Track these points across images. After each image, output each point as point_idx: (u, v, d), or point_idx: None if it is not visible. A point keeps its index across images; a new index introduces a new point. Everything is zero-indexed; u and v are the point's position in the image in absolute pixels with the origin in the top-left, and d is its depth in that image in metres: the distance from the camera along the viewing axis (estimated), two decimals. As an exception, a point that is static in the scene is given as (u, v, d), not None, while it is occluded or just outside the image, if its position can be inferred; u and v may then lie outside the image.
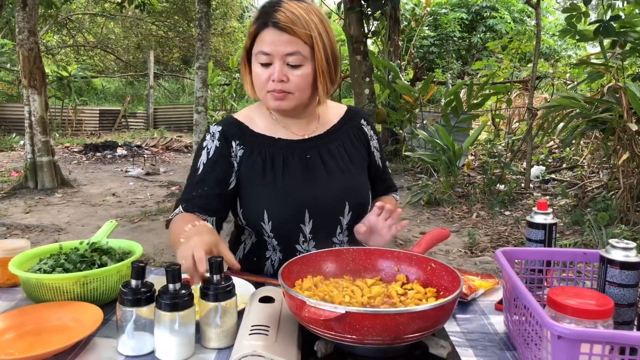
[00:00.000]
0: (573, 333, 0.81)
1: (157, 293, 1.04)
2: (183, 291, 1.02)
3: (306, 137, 1.47)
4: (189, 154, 11.27)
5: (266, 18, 1.31)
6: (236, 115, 1.50)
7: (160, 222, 5.78)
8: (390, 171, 1.65)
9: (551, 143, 9.38)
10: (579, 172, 7.78)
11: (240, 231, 1.54)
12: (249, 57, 1.38)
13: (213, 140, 1.44)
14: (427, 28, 15.96)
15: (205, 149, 1.44)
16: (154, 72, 16.51)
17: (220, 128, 1.45)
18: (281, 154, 1.43)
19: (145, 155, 10.55)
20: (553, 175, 7.99)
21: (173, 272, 1.02)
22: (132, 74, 19.34)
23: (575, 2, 5.53)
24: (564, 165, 8.41)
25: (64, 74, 13.25)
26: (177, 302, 1.01)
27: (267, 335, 0.93)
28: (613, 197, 5.74)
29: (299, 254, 1.41)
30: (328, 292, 1.05)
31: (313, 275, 1.10)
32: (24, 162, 7.40)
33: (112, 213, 6.16)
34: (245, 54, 1.39)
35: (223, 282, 1.05)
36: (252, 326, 0.96)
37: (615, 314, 1.03)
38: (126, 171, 8.96)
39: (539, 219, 1.38)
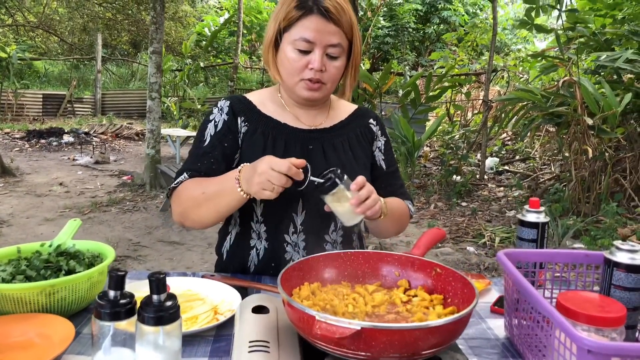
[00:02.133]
0: (605, 347, 0.76)
1: (138, 304, 0.93)
2: (168, 303, 0.92)
3: (312, 128, 1.42)
4: (140, 142, 10.91)
5: (312, 4, 1.25)
6: (247, 95, 1.46)
7: (112, 213, 5.54)
8: (403, 181, 1.58)
9: (504, 135, 9.60)
10: (531, 164, 7.99)
11: (227, 222, 1.48)
12: (277, 40, 1.33)
13: (221, 114, 1.40)
14: (382, 18, 16.01)
15: (213, 122, 1.40)
16: (102, 56, 15.83)
17: (229, 103, 1.42)
18: (283, 140, 1.38)
19: (93, 143, 10.12)
20: (506, 167, 8.18)
21: (158, 281, 0.91)
22: (77, 57, 18.49)
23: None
24: (517, 157, 8.63)
25: (3, 55, 12.49)
26: (162, 315, 0.90)
27: (268, 352, 0.84)
28: (565, 188, 5.91)
29: (287, 245, 1.37)
30: (328, 300, 0.96)
31: (310, 282, 1.02)
32: (-40, 149, 6.95)
33: (60, 204, 5.85)
34: (274, 37, 1.32)
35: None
36: (250, 342, 0.86)
37: (623, 319, 1.00)
38: (74, 159, 8.56)
39: (532, 217, 1.35)
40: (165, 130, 8.84)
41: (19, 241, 4.49)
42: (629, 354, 0.76)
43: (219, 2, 23.60)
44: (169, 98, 13.06)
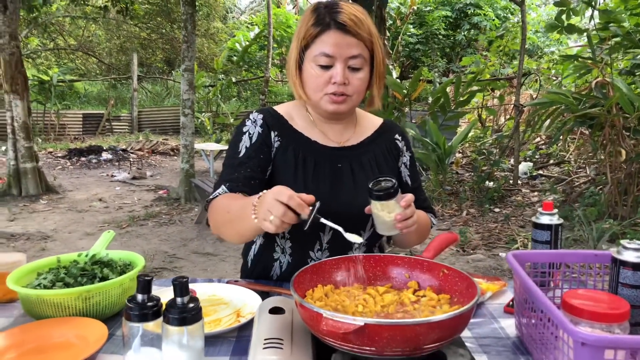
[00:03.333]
0: (598, 340, 0.79)
1: (164, 306, 1.01)
2: (191, 305, 0.99)
3: (340, 145, 1.44)
4: (176, 157, 11.19)
5: (328, 19, 1.28)
6: (276, 108, 1.48)
7: (149, 226, 5.71)
8: (426, 195, 1.59)
9: (537, 139, 9.45)
10: (566, 168, 7.84)
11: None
12: (300, 59, 1.35)
13: (255, 126, 1.41)
14: (412, 26, 16.01)
15: (247, 133, 1.41)
16: (137, 75, 16.35)
17: (262, 116, 1.43)
18: (313, 158, 1.39)
19: (131, 159, 10.45)
20: (540, 172, 8.06)
21: (181, 285, 0.99)
22: (115, 77, 19.14)
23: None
24: (551, 161, 8.48)
25: (45, 78, 13.08)
26: (186, 316, 0.98)
27: (281, 348, 0.90)
28: (601, 192, 5.79)
29: (310, 261, 1.39)
30: (340, 301, 1.02)
31: (323, 284, 1.08)
32: (7, 168, 7.28)
33: (100, 219, 6.07)
34: (297, 55, 1.35)
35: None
36: (266, 339, 0.93)
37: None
38: (112, 176, 8.86)
39: (545, 219, 1.37)
40: (199, 145, 9.06)
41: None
42: (621, 345, 0.80)
43: (250, 18, 24.04)
44: (203, 114, 13.36)
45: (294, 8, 21.72)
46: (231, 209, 1.23)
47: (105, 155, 10.51)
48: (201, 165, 9.63)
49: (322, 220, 1.05)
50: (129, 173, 8.92)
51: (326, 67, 1.30)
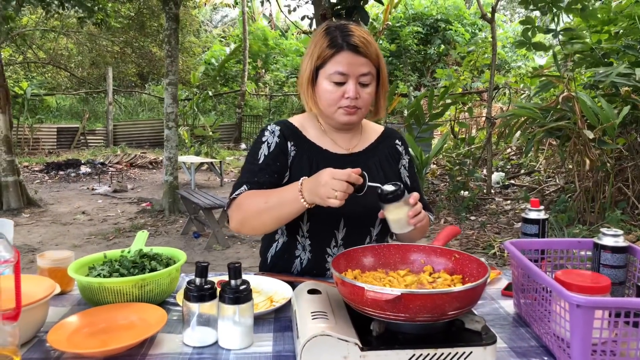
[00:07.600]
0: (589, 301, 0.98)
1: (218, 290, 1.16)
2: (243, 286, 1.15)
3: (349, 152, 1.63)
4: (155, 170, 11.20)
5: (341, 41, 1.46)
6: (290, 120, 1.64)
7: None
8: (423, 194, 1.76)
9: (508, 150, 9.83)
10: (537, 177, 8.20)
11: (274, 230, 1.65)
12: (314, 75, 1.52)
13: (273, 137, 1.57)
14: (385, 41, 16.41)
15: (266, 143, 1.56)
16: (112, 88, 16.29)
17: (279, 127, 1.59)
18: (326, 165, 1.53)
19: (110, 173, 10.43)
20: (512, 181, 8.39)
21: (235, 269, 1.15)
22: (88, 91, 19.01)
23: (530, 15, 5.90)
24: (522, 171, 8.84)
25: (19, 91, 12.96)
26: (239, 296, 1.14)
27: (328, 319, 1.06)
28: (570, 199, 6.11)
29: (328, 257, 1.57)
30: (369, 282, 1.19)
31: (352, 269, 1.25)
32: (-12, 182, 7.24)
33: (85, 231, 6.11)
34: (311, 73, 1.52)
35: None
36: (312, 312, 1.09)
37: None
38: (93, 189, 8.85)
39: (533, 215, 1.57)
40: (180, 158, 9.13)
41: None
42: (609, 305, 0.99)
43: (223, 32, 24.13)
44: (180, 127, 13.42)
45: (269, 23, 21.98)
46: (269, 198, 1.40)
47: (84, 169, 10.47)
48: (181, 178, 9.68)
49: (369, 183, 1.29)
50: (109, 186, 8.92)
51: (339, 84, 1.48)
